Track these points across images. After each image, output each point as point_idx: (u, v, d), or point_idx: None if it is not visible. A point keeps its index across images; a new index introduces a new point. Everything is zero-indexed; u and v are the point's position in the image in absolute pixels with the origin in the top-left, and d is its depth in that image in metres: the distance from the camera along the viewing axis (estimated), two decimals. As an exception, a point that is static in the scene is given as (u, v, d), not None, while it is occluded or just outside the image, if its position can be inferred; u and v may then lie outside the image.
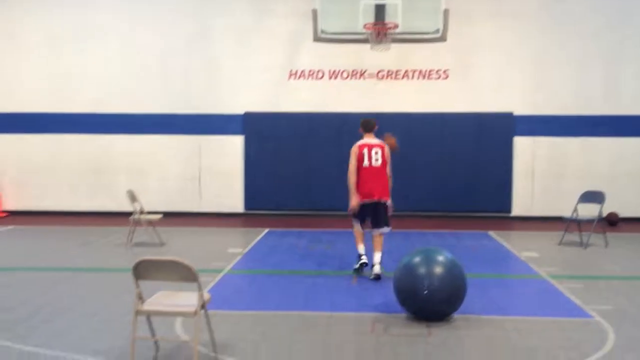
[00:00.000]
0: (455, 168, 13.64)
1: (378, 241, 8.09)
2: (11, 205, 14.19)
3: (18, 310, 6.70)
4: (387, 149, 8.28)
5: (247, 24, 13.84)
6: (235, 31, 13.87)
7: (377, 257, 8.00)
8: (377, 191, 8.07)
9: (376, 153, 8.16)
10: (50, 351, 5.39)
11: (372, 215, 8.12)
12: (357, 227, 8.32)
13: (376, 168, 8.11)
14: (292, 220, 13.26)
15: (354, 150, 8.24)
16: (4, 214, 13.93)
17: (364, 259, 8.19)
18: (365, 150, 8.16)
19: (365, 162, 8.11)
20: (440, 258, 6.30)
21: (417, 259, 6.33)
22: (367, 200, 8.09)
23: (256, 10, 13.83)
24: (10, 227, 12.48)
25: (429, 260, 6.27)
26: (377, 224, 8.12)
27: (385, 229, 8.16)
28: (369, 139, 8.32)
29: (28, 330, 5.97)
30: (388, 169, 8.24)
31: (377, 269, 7.93)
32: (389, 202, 8.15)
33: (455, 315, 6.28)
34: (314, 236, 11.37)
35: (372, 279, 7.91)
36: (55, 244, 10.67)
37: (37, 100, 14.11)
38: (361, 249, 8.26)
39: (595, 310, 6.62)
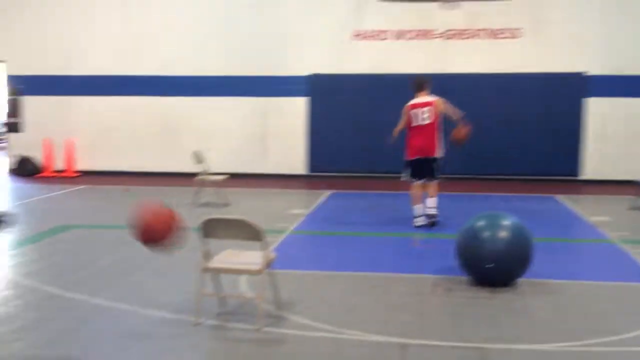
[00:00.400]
0: (524, 130, 13.29)
1: (432, 189, 8.72)
2: (84, 165, 14.65)
3: (90, 266, 6.97)
4: (438, 106, 8.71)
5: (311, -16, 13.73)
6: (299, -8, 13.78)
7: (432, 201, 8.70)
8: (427, 148, 8.64)
9: (424, 113, 8.64)
10: (122, 305, 5.59)
11: (425, 169, 8.72)
12: (413, 186, 8.82)
13: (425, 126, 8.63)
14: (355, 182, 13.24)
15: (405, 110, 8.79)
16: (77, 174, 14.41)
17: (420, 221, 8.67)
18: (415, 111, 8.67)
19: (416, 121, 8.66)
20: (506, 222, 6.18)
21: (481, 223, 6.22)
22: (418, 157, 8.70)
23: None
24: (82, 186, 12.92)
25: (494, 225, 6.16)
26: (429, 178, 8.73)
27: (436, 182, 8.78)
28: (420, 99, 8.75)
29: (100, 286, 6.20)
30: (438, 126, 8.69)
31: (432, 211, 8.66)
32: (439, 156, 8.71)
33: (521, 280, 6.17)
34: (377, 198, 11.35)
35: (427, 225, 8.46)
36: (124, 203, 10.97)
37: (108, 64, 14.42)
38: (417, 209, 8.71)
39: (669, 276, 6.41)
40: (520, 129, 13.29)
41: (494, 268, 5.91)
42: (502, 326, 5.12)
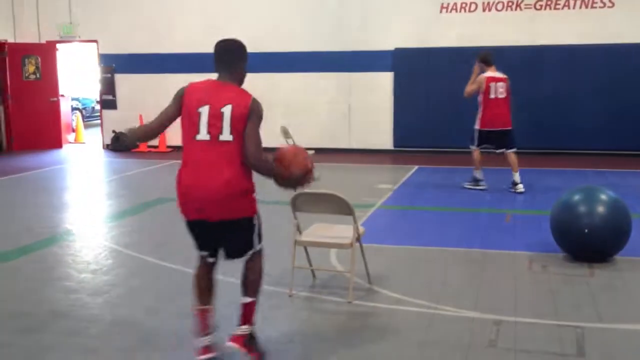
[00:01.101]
0: (620, 103, 12.71)
1: (513, 161, 9.27)
2: (175, 141, 15.07)
3: (186, 237, 7.18)
4: (508, 82, 9.32)
5: (397, -44, 13.51)
6: (384, -35, 13.60)
7: (516, 177, 9.30)
8: (504, 120, 9.28)
9: (501, 87, 9.22)
10: (222, 277, 5.74)
11: (500, 141, 9.32)
12: (476, 153, 9.53)
13: (503, 99, 9.23)
14: (442, 157, 13.07)
15: (482, 80, 9.25)
16: (169, 149, 14.86)
17: (483, 185, 9.52)
18: (494, 84, 9.19)
19: (494, 94, 9.19)
20: (602, 196, 5.99)
21: (577, 197, 6.04)
22: (495, 128, 9.27)
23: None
24: (174, 161, 13.30)
25: (590, 199, 5.98)
26: (506, 147, 9.31)
27: (513, 150, 9.30)
28: (494, 73, 9.29)
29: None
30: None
31: (520, 187, 9.23)
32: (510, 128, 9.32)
33: (620, 257, 5.95)
34: (465, 173, 11.15)
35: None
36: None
37: (199, 40, 14.69)
38: (479, 174, 9.59)
39: None
40: (617, 102, 12.71)
41: (590, 241, 5.74)
42: (600, 304, 4.97)
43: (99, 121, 17.30)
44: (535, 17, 13.00)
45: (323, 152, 12.71)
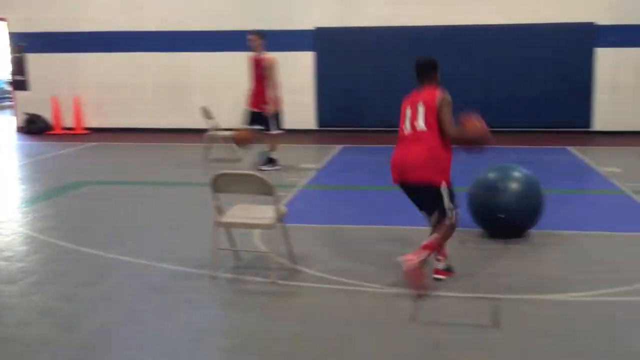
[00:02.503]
0: (533, 82, 13.14)
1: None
2: (94, 122, 14.64)
3: (105, 222, 7.03)
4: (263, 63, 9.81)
5: None
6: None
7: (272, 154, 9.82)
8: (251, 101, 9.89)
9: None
10: (138, 259, 5.65)
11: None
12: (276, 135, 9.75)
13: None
14: (366, 137, 13.19)
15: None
16: (87, 132, 14.42)
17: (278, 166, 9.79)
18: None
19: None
20: (517, 174, 6.18)
21: (493, 175, 6.23)
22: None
23: None
24: (92, 143, 12.93)
25: (505, 177, 6.17)
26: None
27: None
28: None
29: (117, 240, 6.26)
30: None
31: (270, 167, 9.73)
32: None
33: (533, 231, 6.19)
34: (388, 152, 11.30)
35: None
36: (136, 160, 11.02)
37: (115, 19, 14.27)
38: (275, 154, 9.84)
39: (681, 226, 6.40)
40: (531, 81, 13.14)
41: (506, 219, 5.93)
42: (515, 277, 5.16)
43: (11, 103, 16.59)
44: (453, -2, 13.23)
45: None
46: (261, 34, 10.01)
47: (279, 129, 9.73)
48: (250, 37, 10.00)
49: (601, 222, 6.80)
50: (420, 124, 5.09)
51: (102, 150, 12.29)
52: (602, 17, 12.85)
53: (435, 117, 5.01)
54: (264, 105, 9.67)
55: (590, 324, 4.29)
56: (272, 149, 9.84)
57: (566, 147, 11.49)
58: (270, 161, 9.86)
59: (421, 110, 5.09)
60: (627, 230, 6.37)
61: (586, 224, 6.71)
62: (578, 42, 13.03)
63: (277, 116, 9.68)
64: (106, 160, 11.25)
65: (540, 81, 13.09)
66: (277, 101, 9.67)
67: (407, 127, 5.23)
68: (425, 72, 5.27)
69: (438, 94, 5.06)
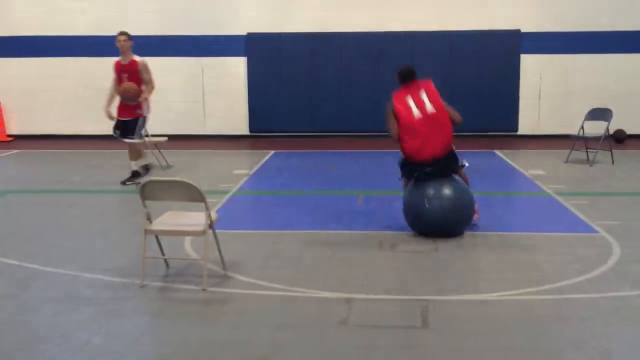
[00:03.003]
0: (461, 87, 13.41)
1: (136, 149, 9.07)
2: (16, 129, 14.16)
3: (29, 231, 6.79)
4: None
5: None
6: (235, -52, 13.47)
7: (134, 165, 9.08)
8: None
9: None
10: (63, 270, 5.48)
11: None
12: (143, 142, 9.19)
13: None
14: (298, 142, 13.21)
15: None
16: (10, 139, 13.92)
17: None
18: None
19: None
20: (448, 180, 6.34)
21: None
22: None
23: None
24: (16, 151, 12.50)
25: (437, 180, 6.29)
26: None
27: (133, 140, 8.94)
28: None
29: (40, 250, 6.06)
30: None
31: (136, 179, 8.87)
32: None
33: (463, 233, 6.32)
34: (320, 157, 11.38)
35: None
36: (62, 168, 10.71)
37: (35, 24, 13.84)
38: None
39: (601, 225, 6.66)
40: (460, 86, 13.42)
41: (436, 220, 6.11)
42: (444, 278, 5.26)
43: None
44: (383, 5, 13.40)
45: (178, 139, 12.43)
46: (130, 34, 9.36)
47: (142, 135, 9.09)
48: (119, 37, 9.32)
49: (527, 223, 7.01)
50: (430, 107, 6.17)
51: (25, 157, 11.90)
52: (527, 25, 13.28)
53: (438, 99, 6.19)
54: (138, 111, 8.91)
55: (516, 323, 4.40)
56: (139, 158, 9.02)
57: (494, 150, 11.80)
58: (137, 174, 8.88)
59: (424, 96, 6.19)
60: (550, 231, 6.57)
61: (513, 225, 6.89)
62: (505, 48, 13.41)
63: (144, 122, 9.02)
64: (30, 168, 10.90)
65: (469, 86, 13.39)
66: (149, 106, 9.05)
67: (416, 114, 6.14)
68: (413, 74, 6.38)
69: (431, 82, 6.35)
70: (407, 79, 6.42)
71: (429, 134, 6.17)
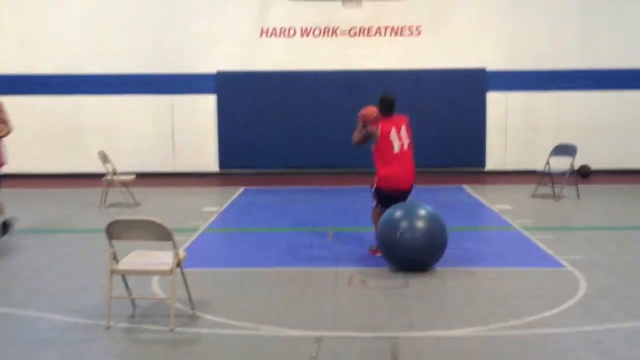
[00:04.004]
0: (430, 124, 13.58)
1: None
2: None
3: (-9, 273, 6.64)
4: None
5: (217, -20, 13.57)
6: (205, -12, 13.60)
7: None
8: None
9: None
10: (26, 311, 5.36)
11: None
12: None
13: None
14: (268, 178, 13.22)
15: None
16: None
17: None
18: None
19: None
20: (422, 212, 6.42)
21: (398, 213, 6.41)
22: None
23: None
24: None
25: (411, 214, 6.38)
26: None
27: None
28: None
29: (3, 291, 5.92)
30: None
31: None
32: None
33: (432, 268, 6.35)
34: (290, 194, 11.38)
35: None
36: (29, 206, 10.53)
37: (5, 62, 13.76)
38: None
39: (567, 259, 6.74)
40: (428, 123, 13.58)
41: (410, 254, 6.20)
42: (414, 314, 5.25)
43: None
44: (350, 43, 13.60)
45: (147, 177, 12.36)
46: None
47: None
48: None
49: (495, 258, 7.06)
50: (405, 143, 6.87)
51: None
52: (493, 63, 13.57)
53: (410, 137, 6.94)
54: None
55: (485, 358, 4.40)
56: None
57: (462, 185, 11.93)
58: (5, 226, 7.83)
59: (403, 133, 6.89)
60: (518, 265, 6.65)
61: (480, 259, 6.94)
62: (471, 86, 13.67)
63: None
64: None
65: (437, 123, 13.57)
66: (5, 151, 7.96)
67: (396, 148, 6.82)
68: (393, 105, 6.97)
69: (406, 118, 7.01)
70: (392, 109, 7.03)
71: (401, 166, 6.86)
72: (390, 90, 7.24)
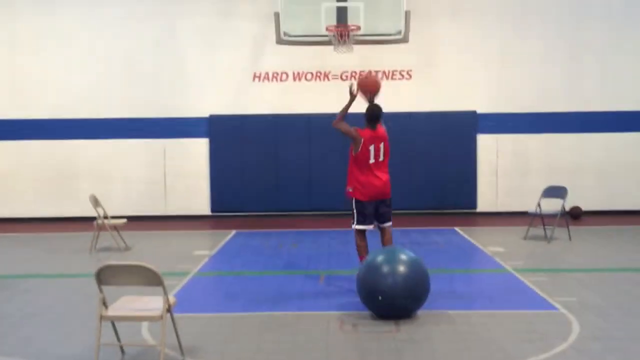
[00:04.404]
0: (421, 166, 13.72)
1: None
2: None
3: (-21, 319, 6.56)
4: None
5: (210, 26, 13.73)
6: (198, 34, 13.76)
7: None
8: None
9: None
10: (13, 359, 5.28)
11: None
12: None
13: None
14: (259, 221, 13.21)
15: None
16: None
17: None
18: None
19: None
20: (402, 256, 6.34)
21: (379, 258, 6.36)
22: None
23: (219, 13, 13.71)
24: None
25: (391, 260, 6.30)
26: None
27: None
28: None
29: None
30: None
31: None
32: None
33: (423, 311, 6.31)
34: (282, 237, 11.36)
35: None
36: (19, 252, 10.47)
37: (3, 105, 13.84)
38: None
39: (560, 302, 6.72)
40: (419, 165, 13.70)
41: (384, 299, 6.07)
42: (404, 359, 5.20)
43: None
44: (342, 86, 13.70)
45: (139, 220, 12.33)
46: None
47: None
48: None
49: (487, 301, 7.02)
50: (382, 156, 7.24)
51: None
52: (483, 106, 13.74)
53: (388, 149, 7.30)
54: None
55: (478, 404, 4.36)
56: None
57: (454, 227, 11.94)
58: None
59: (381, 146, 7.23)
60: (511, 308, 6.62)
61: (473, 302, 6.91)
62: (462, 128, 13.80)
63: None
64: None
65: (428, 165, 13.68)
66: None
67: (372, 159, 7.18)
68: (380, 115, 7.26)
69: (385, 131, 7.38)
70: (377, 120, 7.35)
71: (377, 175, 7.23)
72: (376, 105, 7.44)
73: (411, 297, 6.18)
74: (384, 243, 7.41)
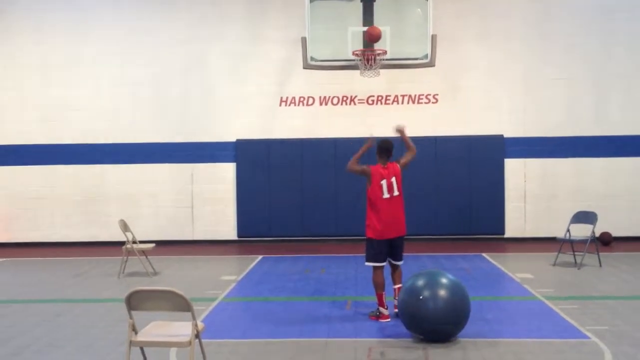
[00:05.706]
0: (448, 191, 13.66)
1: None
2: (2, 237, 14.10)
3: (12, 343, 6.64)
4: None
5: (238, 51, 13.91)
6: (226, 59, 13.93)
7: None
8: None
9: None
10: (43, 384, 5.33)
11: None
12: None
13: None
14: (286, 246, 13.22)
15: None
16: (-4, 246, 13.82)
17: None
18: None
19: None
20: (444, 280, 6.41)
21: (420, 282, 6.41)
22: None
23: (247, 38, 13.90)
24: (1, 259, 12.39)
25: (433, 283, 6.37)
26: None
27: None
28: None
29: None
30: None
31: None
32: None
33: (452, 339, 6.25)
34: (309, 262, 11.34)
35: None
36: (49, 276, 10.59)
37: (29, 132, 14.10)
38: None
39: (591, 330, 6.61)
40: (446, 190, 13.64)
41: (434, 324, 6.16)
42: (435, 388, 5.15)
43: None
44: (368, 111, 13.80)
45: (166, 244, 12.43)
46: None
47: None
48: None
49: (517, 329, 6.93)
50: (396, 191, 7.17)
51: (10, 266, 11.77)
52: (509, 130, 13.67)
53: (401, 184, 7.20)
54: None
55: None
56: None
57: (481, 253, 11.83)
58: None
59: (393, 180, 7.18)
60: (541, 337, 6.52)
61: (503, 330, 6.82)
62: (489, 153, 13.72)
63: None
64: (15, 277, 10.76)
65: (456, 190, 13.61)
66: None
67: (386, 194, 7.14)
68: (391, 150, 7.37)
69: (398, 167, 7.33)
70: (389, 155, 7.44)
71: (390, 212, 7.15)
72: (388, 139, 7.63)
73: (454, 323, 6.25)
74: (394, 278, 7.39)
